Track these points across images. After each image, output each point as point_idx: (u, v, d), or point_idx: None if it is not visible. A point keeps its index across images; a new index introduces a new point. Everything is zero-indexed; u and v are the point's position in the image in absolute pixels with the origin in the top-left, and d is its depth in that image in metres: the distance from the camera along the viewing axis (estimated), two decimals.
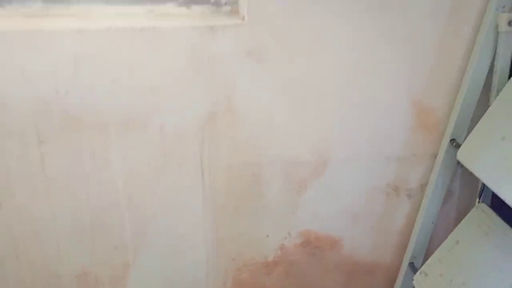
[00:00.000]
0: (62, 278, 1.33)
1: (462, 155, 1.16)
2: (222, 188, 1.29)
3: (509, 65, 1.13)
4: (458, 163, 1.20)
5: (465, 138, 1.17)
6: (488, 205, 1.20)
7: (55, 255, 1.29)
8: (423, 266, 1.26)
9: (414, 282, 1.27)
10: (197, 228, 1.32)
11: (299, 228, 1.37)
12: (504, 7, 1.11)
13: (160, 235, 1.32)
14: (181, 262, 1.36)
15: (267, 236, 1.37)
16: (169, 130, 1.20)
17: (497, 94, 1.13)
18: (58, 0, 1.14)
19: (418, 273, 1.27)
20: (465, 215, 1.22)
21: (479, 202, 1.23)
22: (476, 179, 1.24)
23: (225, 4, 1.17)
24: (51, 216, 1.24)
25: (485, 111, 1.12)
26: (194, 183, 1.27)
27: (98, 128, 1.18)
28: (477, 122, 1.13)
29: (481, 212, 1.19)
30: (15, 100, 1.12)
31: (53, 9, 1.14)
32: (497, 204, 1.16)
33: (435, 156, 1.30)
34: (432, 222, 1.34)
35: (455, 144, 1.22)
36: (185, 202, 1.29)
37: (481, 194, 1.22)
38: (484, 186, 1.20)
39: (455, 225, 1.23)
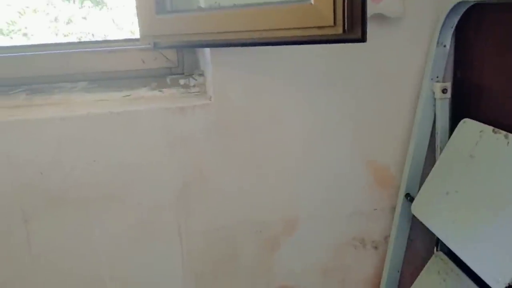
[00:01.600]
0: None
1: (415, 209, 1.28)
2: (199, 254, 1.37)
3: (447, 128, 1.28)
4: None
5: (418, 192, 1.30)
6: (445, 252, 1.31)
7: None
8: None
9: None
10: None
11: (275, 284, 1.45)
12: (437, 77, 1.26)
13: None
14: None
15: None
16: (147, 202, 1.29)
17: (440, 152, 1.27)
18: (40, 91, 1.26)
19: None
20: (427, 261, 1.32)
21: (437, 250, 1.33)
22: None
23: (194, 86, 1.31)
24: None
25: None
26: (173, 250, 1.35)
27: (80, 204, 1.26)
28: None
29: (439, 260, 1.30)
30: (0, 182, 1.21)
31: (36, 100, 1.25)
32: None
33: (394, 209, 1.41)
34: (398, 271, 1.43)
35: (409, 198, 1.35)
36: (165, 269, 1.36)
37: (438, 242, 1.33)
38: None
39: (420, 271, 1.33)
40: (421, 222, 1.44)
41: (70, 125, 1.20)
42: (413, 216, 1.39)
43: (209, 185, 1.31)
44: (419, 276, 1.33)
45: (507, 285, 0.92)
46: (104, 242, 1.29)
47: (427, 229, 1.45)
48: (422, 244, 1.48)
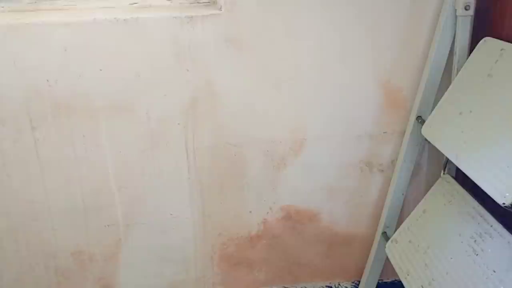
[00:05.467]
0: (58, 256, 1.41)
1: (426, 130, 1.25)
2: (206, 168, 1.38)
3: (467, 47, 1.23)
4: (425, 138, 1.30)
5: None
6: (452, 176, 1.30)
7: (50, 235, 1.38)
8: (394, 235, 1.36)
9: (386, 250, 1.38)
10: (184, 206, 1.41)
11: (279, 203, 1.47)
12: None
13: (149, 214, 1.40)
14: (170, 238, 1.45)
15: (250, 212, 1.46)
16: (155, 114, 1.28)
17: (457, 73, 1.23)
18: None
19: (389, 241, 1.37)
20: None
21: (444, 173, 1.33)
22: (442, 153, 1.35)
23: None
24: (45, 199, 1.33)
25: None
26: (180, 163, 1.35)
27: (88, 114, 1.26)
28: None
29: (446, 183, 1.29)
30: (7, 89, 1.20)
31: (40, 4, 1.20)
32: (460, 175, 1.27)
33: (404, 133, 1.39)
34: (402, 194, 1.44)
35: (420, 121, 1.32)
36: (172, 181, 1.37)
37: (446, 166, 1.32)
38: (448, 158, 1.30)
39: (424, 195, 1.33)
40: (429, 149, 1.44)
41: (76, 31, 1.17)
42: (422, 141, 1.38)
43: (218, 100, 1.29)
44: (423, 199, 1.33)
45: None
46: (111, 152, 1.29)
47: (435, 155, 1.45)
48: (430, 170, 1.47)
